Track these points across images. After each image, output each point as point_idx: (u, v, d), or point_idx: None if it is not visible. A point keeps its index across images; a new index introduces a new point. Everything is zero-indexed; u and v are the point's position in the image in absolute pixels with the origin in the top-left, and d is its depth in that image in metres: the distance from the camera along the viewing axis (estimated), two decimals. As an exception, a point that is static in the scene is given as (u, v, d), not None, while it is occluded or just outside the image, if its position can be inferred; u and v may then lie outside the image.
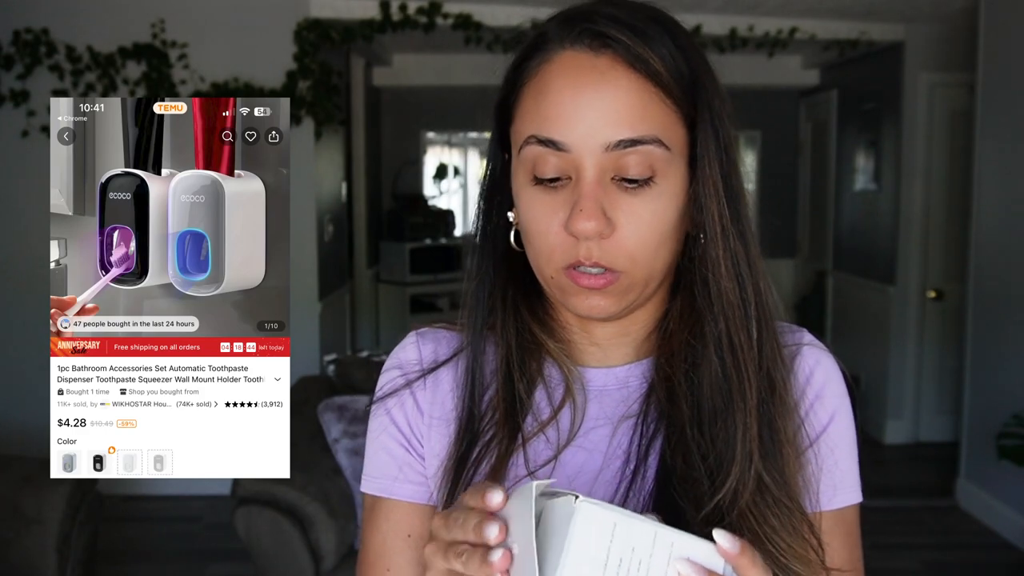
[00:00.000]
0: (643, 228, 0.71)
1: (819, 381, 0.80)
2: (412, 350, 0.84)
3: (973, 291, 4.07)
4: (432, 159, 7.19)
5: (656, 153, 0.70)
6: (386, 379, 0.84)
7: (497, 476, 0.76)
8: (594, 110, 0.69)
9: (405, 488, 0.81)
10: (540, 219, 0.72)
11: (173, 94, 4.12)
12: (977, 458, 4.05)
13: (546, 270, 0.74)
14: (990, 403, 3.91)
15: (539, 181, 0.72)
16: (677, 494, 0.72)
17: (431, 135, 7.12)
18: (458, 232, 6.71)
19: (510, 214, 0.79)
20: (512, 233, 0.79)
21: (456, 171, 7.42)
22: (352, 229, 5.80)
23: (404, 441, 0.82)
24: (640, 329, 0.80)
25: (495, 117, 0.79)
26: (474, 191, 7.38)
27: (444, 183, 7.15)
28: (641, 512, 0.58)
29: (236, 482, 2.65)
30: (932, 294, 4.97)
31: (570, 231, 0.70)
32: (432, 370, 0.83)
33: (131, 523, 3.96)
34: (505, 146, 0.79)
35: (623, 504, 0.74)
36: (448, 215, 6.65)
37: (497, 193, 0.80)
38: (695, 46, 0.74)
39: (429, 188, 7.06)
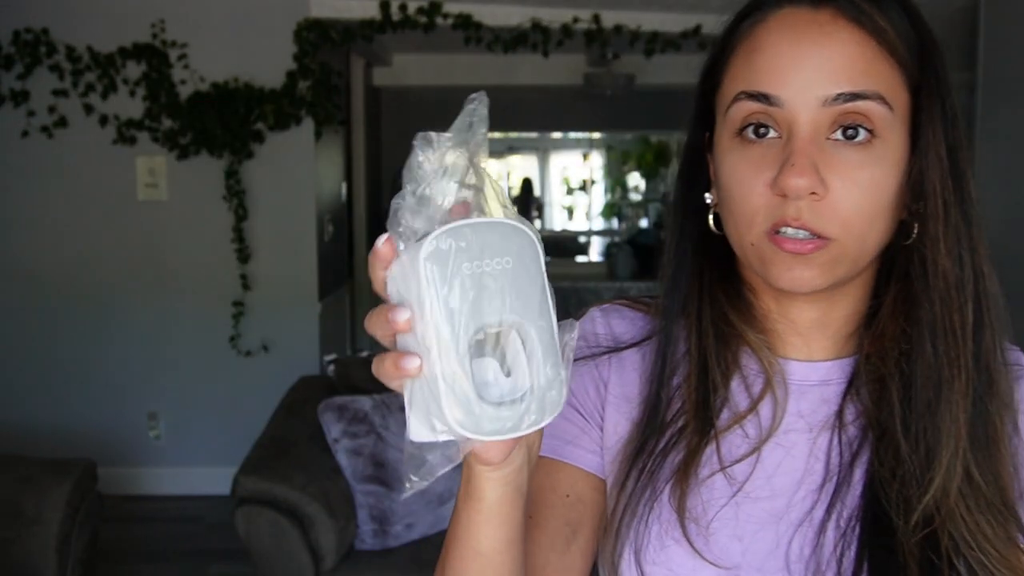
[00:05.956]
0: (859, 193, 0.66)
1: None
2: (596, 324, 0.82)
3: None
4: (432, 159, 7.18)
5: (878, 111, 0.66)
6: None
7: (688, 469, 0.73)
8: (812, 63, 0.66)
9: (578, 453, 0.78)
10: (744, 180, 0.68)
11: (173, 94, 4.13)
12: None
13: (747, 237, 0.69)
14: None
15: (746, 140, 0.68)
16: (886, 502, 0.69)
17: (431, 135, 7.10)
18: (458, 232, 6.69)
19: (708, 196, 0.76)
20: (711, 216, 0.75)
21: (456, 171, 7.41)
22: (352, 229, 5.79)
23: (583, 410, 0.79)
24: (841, 320, 0.75)
25: (698, 90, 0.76)
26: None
27: (444, 183, 7.14)
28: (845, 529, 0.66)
29: (236, 482, 2.65)
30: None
31: (779, 188, 0.66)
32: (619, 349, 0.80)
33: (131, 523, 3.96)
34: (705, 123, 0.75)
35: (826, 520, 0.71)
36: (448, 215, 6.63)
37: (696, 173, 0.77)
38: (924, 19, 0.69)
39: (429, 188, 7.05)
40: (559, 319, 0.55)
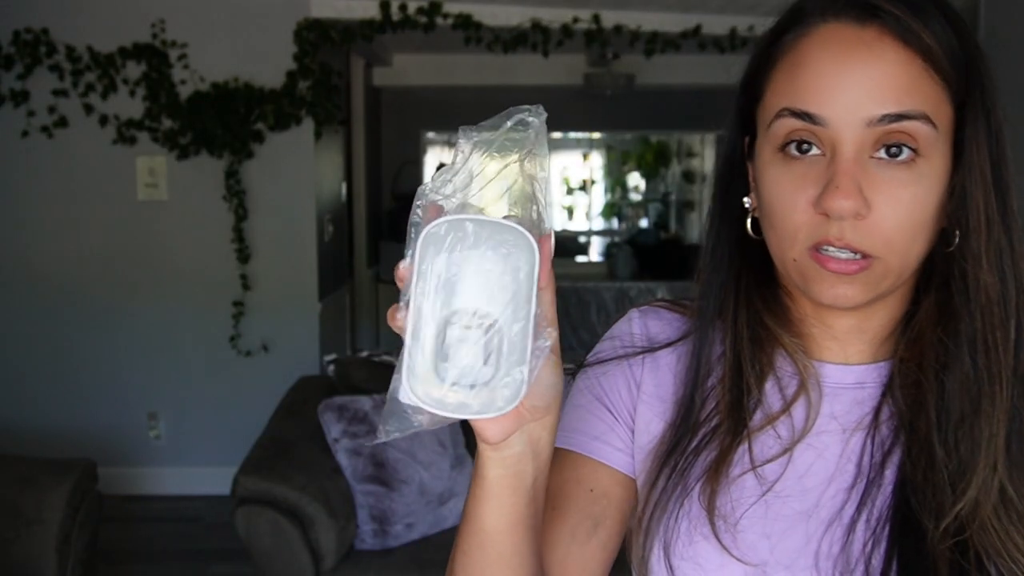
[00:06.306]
0: (902, 211, 0.66)
1: None
2: (632, 325, 0.83)
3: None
4: (432, 159, 7.20)
5: (922, 131, 0.66)
6: (603, 347, 0.83)
7: (720, 467, 0.74)
8: (857, 83, 0.66)
9: (605, 450, 0.79)
10: (786, 196, 0.69)
11: (173, 94, 4.13)
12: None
13: (789, 252, 0.70)
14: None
15: (789, 156, 0.69)
16: (917, 507, 0.69)
17: (431, 135, 7.12)
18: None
19: (746, 200, 0.77)
20: (749, 220, 0.76)
21: (456, 171, 7.42)
22: (352, 229, 5.79)
23: (612, 408, 0.80)
24: (879, 326, 0.75)
25: (738, 97, 0.76)
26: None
27: (444, 183, 7.15)
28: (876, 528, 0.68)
29: (236, 482, 2.65)
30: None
31: (822, 209, 0.66)
32: (653, 350, 0.81)
33: (131, 523, 3.96)
34: (746, 129, 0.76)
35: (855, 518, 0.71)
36: (448, 215, 6.64)
37: (735, 177, 0.78)
38: (969, 29, 0.70)
39: (429, 188, 7.06)
40: (558, 319, 0.58)
